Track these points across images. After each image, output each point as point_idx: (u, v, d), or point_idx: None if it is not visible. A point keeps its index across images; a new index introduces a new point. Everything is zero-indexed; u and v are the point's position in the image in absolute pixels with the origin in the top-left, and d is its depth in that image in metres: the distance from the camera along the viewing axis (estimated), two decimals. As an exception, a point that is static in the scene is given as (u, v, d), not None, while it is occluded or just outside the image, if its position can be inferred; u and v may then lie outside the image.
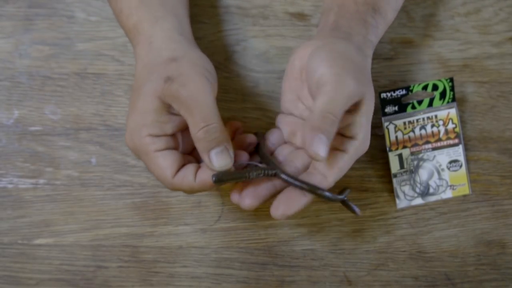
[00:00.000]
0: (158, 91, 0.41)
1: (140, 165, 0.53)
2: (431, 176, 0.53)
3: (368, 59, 0.46)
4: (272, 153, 0.47)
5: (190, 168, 0.43)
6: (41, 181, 0.53)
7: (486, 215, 0.54)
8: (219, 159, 0.41)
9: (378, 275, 0.53)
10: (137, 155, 0.44)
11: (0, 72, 0.54)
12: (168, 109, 0.42)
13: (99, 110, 0.54)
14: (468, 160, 0.54)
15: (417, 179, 0.53)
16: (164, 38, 0.44)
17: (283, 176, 0.42)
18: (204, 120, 0.40)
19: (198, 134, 0.41)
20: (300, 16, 0.54)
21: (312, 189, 0.42)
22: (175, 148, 0.44)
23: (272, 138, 0.48)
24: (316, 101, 0.41)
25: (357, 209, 0.44)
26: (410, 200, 0.53)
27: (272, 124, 0.52)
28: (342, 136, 0.43)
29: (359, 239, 0.53)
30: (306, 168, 0.45)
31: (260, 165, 0.44)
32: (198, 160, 0.46)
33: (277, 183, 0.44)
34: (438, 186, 0.53)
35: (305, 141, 0.40)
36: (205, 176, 0.42)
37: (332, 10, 0.48)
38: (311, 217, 0.53)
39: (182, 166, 0.43)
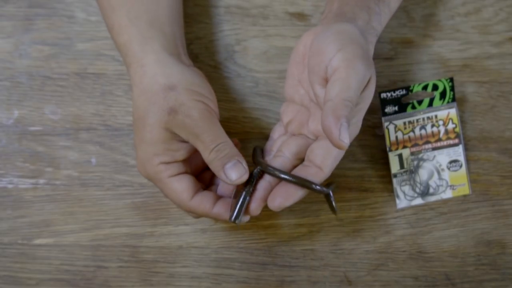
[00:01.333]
0: (163, 123, 0.43)
1: (140, 165, 0.53)
2: (431, 176, 0.53)
3: (370, 45, 0.46)
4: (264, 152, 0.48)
5: (208, 196, 0.44)
6: (41, 181, 0.53)
7: (486, 215, 0.54)
8: (233, 172, 0.42)
9: (378, 275, 0.53)
10: (151, 181, 0.45)
11: (0, 72, 0.54)
12: (176, 137, 0.44)
13: (99, 110, 0.54)
14: (468, 160, 0.54)
15: (417, 179, 0.53)
16: (156, 61, 0.45)
17: (270, 170, 0.43)
18: (213, 143, 0.42)
19: (210, 156, 0.43)
20: (300, 16, 0.54)
21: (301, 182, 0.42)
22: (187, 172, 0.45)
23: (274, 135, 0.49)
24: (333, 88, 0.40)
25: (336, 208, 0.45)
26: (410, 200, 0.53)
27: (272, 124, 0.52)
28: None
29: (359, 239, 0.53)
30: (296, 155, 0.45)
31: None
32: (205, 183, 0.48)
33: (272, 180, 0.44)
34: (438, 186, 0.53)
35: (329, 130, 0.39)
36: (222, 210, 0.44)
37: None
38: (311, 217, 0.53)
39: (197, 190, 0.45)
